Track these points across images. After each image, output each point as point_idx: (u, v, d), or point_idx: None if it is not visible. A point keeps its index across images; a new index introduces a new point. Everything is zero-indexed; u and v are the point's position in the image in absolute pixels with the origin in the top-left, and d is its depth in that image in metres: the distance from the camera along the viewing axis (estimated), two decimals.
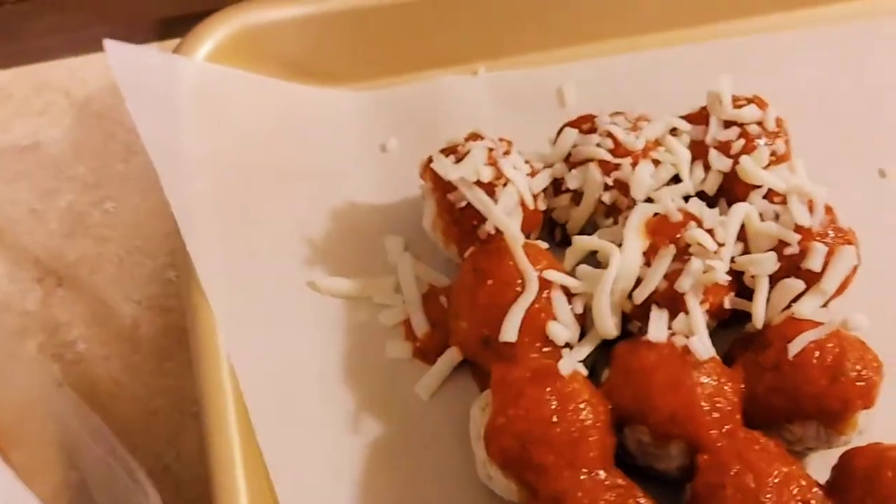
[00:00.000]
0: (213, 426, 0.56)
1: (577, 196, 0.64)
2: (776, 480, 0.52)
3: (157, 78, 0.67)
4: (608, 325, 0.59)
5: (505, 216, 0.60)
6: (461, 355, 0.61)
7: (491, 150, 0.62)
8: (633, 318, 0.60)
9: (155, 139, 0.63)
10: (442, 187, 0.62)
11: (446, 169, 0.61)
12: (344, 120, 0.72)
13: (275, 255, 0.65)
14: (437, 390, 0.62)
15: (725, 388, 0.56)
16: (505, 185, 0.61)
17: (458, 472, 0.59)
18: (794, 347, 0.57)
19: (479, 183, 0.61)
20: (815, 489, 0.53)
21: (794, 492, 0.52)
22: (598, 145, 0.64)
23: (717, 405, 0.55)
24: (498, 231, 0.60)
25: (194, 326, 0.60)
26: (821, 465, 0.58)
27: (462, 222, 0.62)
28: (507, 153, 0.63)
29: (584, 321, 0.61)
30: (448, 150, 0.63)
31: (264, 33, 0.72)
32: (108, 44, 0.66)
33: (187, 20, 0.72)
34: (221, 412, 0.57)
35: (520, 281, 0.58)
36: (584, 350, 0.59)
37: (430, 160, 0.63)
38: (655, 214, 0.61)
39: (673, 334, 0.58)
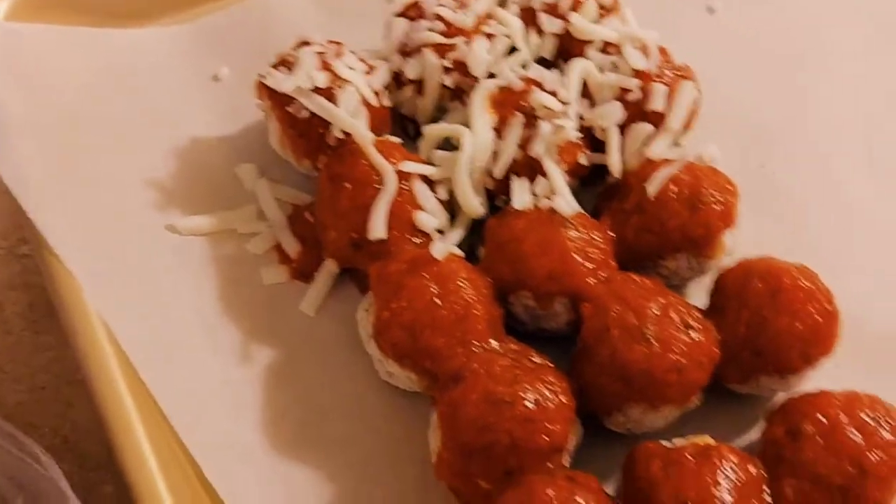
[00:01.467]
0: (102, 388, 0.55)
1: (420, 85, 0.64)
2: (657, 312, 0.54)
3: None
4: (473, 204, 0.60)
5: (349, 117, 0.59)
6: (338, 266, 0.61)
7: (322, 54, 0.61)
8: (498, 194, 0.61)
9: None
10: (280, 103, 0.61)
11: (279, 82, 0.60)
12: (168, 57, 0.70)
13: (124, 205, 0.63)
14: (323, 305, 0.61)
15: (595, 237, 0.57)
16: (343, 86, 0.60)
17: (359, 378, 0.59)
18: (653, 186, 0.58)
19: (316, 90, 0.60)
20: (694, 312, 0.55)
21: (675, 318, 0.54)
22: (430, 30, 0.63)
23: (590, 255, 0.56)
24: (346, 134, 0.60)
25: (59, 296, 0.58)
26: (700, 294, 0.61)
27: (308, 133, 0.61)
28: (339, 55, 0.62)
29: (451, 206, 0.61)
30: (279, 64, 0.62)
31: None
32: None
33: None
34: (107, 372, 0.56)
35: (377, 178, 0.58)
36: (457, 233, 0.60)
37: (262, 78, 0.62)
38: (500, 88, 0.62)
39: (537, 199, 0.59)
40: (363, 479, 0.56)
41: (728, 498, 0.49)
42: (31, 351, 0.61)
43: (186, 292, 0.61)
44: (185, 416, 0.56)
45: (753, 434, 0.57)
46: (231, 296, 0.61)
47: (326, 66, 0.61)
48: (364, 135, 0.59)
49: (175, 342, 0.59)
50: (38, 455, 0.48)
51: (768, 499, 0.50)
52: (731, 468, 0.50)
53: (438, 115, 0.65)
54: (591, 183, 0.64)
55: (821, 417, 0.51)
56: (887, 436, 0.51)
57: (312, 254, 0.62)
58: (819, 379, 0.56)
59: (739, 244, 0.61)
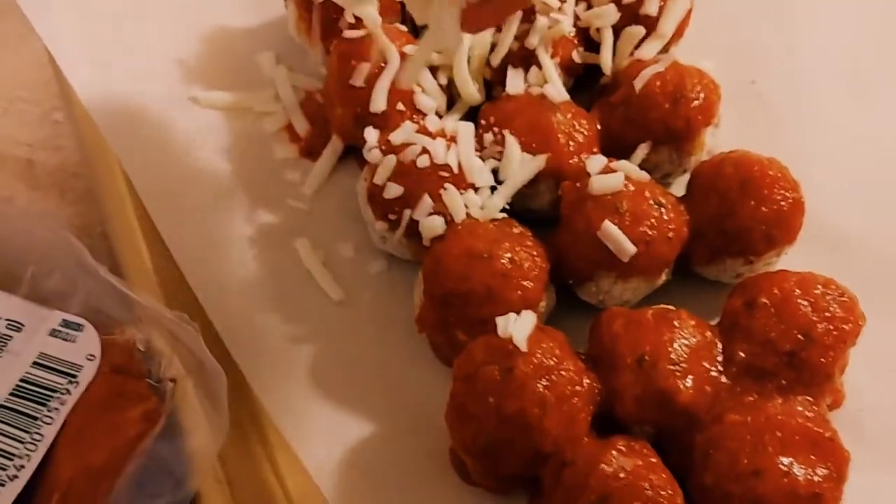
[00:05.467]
0: (120, 230, 0.61)
1: None
2: (631, 188, 0.58)
3: None
4: (471, 90, 0.64)
5: (360, 2, 0.64)
6: (342, 143, 0.65)
7: None
8: (495, 84, 0.65)
9: None
10: None
11: None
12: None
13: (152, 77, 0.68)
14: (327, 180, 0.66)
15: (581, 124, 0.61)
16: None
17: (355, 244, 0.63)
18: (639, 82, 0.62)
19: None
20: (668, 194, 0.59)
21: (648, 196, 0.57)
22: None
23: (575, 138, 0.60)
24: (358, 20, 0.64)
25: (88, 153, 0.63)
26: (679, 191, 0.64)
27: (323, 18, 0.65)
28: None
29: (451, 93, 0.65)
30: None
31: None
32: None
33: None
34: (125, 218, 0.61)
35: (383, 58, 0.62)
36: (454, 117, 0.64)
37: None
38: None
39: (529, 87, 0.63)
40: (354, 340, 0.60)
41: (681, 353, 0.53)
42: (55, 205, 0.67)
43: (204, 158, 0.66)
44: (194, 265, 0.61)
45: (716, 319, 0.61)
46: (244, 166, 0.66)
47: None
48: (373, 17, 0.63)
49: (188, 200, 0.64)
50: (45, 219, 0.52)
51: (720, 360, 0.54)
52: (688, 329, 0.54)
53: None
54: (587, 86, 0.68)
55: (776, 291, 0.55)
56: (836, 310, 0.54)
57: (320, 134, 0.67)
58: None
59: (720, 146, 0.64)
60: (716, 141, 0.64)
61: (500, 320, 0.53)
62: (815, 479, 0.50)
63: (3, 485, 0.45)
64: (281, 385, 0.58)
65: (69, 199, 0.67)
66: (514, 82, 0.63)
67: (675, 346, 0.53)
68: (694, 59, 0.66)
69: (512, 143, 0.60)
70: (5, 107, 0.70)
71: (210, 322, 0.59)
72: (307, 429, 0.57)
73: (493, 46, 0.64)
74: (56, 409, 0.47)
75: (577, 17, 0.66)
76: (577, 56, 0.65)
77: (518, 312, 0.54)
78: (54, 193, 0.67)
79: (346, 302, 0.61)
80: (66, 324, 0.50)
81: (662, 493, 0.50)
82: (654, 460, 0.51)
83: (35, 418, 0.47)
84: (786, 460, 0.50)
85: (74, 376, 0.49)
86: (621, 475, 0.50)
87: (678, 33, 0.67)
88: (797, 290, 0.55)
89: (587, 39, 0.66)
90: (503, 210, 0.60)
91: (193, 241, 0.62)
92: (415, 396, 0.58)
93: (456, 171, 0.58)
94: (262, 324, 0.60)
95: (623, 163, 0.59)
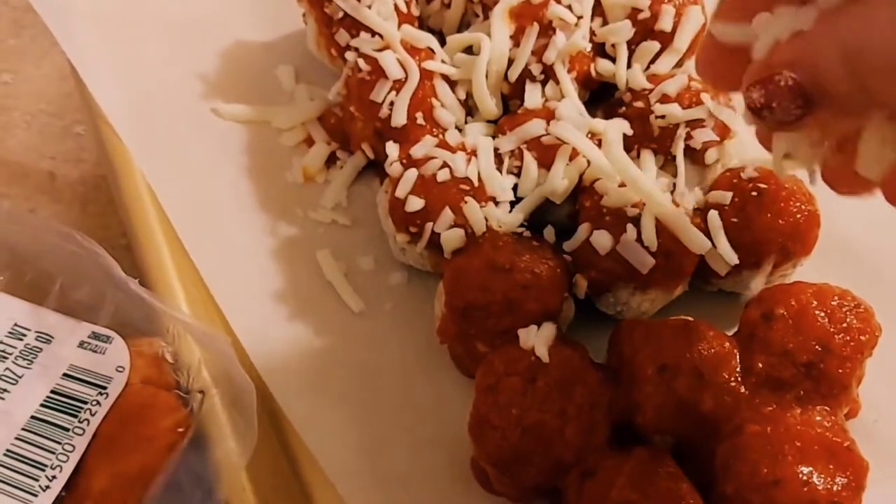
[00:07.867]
0: (146, 248, 0.61)
1: None
2: None
3: None
4: (489, 104, 0.65)
5: (380, 19, 0.65)
6: (364, 158, 0.66)
7: None
8: (512, 98, 0.66)
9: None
10: (318, 4, 0.66)
11: None
12: None
13: (174, 89, 0.69)
14: (348, 193, 0.67)
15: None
16: None
17: (375, 255, 0.64)
18: (655, 96, 0.63)
19: None
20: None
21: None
22: None
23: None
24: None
25: (110, 163, 0.64)
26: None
27: (342, 34, 0.66)
28: None
29: (469, 107, 0.66)
30: None
31: None
32: None
33: None
34: (149, 232, 0.62)
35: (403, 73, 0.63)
36: (475, 126, 0.65)
37: None
38: (520, 2, 0.67)
39: (547, 101, 0.64)
40: (374, 350, 0.61)
41: (701, 365, 0.54)
42: (78, 217, 0.67)
43: (226, 170, 0.67)
44: (218, 277, 0.62)
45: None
46: (265, 178, 0.67)
47: None
48: (392, 34, 0.64)
49: (211, 212, 0.64)
50: (74, 235, 0.52)
51: (739, 371, 0.55)
52: (707, 340, 0.55)
53: (462, 29, 0.70)
54: (603, 99, 0.69)
55: (793, 302, 0.56)
56: (853, 321, 0.55)
57: (340, 148, 0.68)
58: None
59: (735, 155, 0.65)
60: (726, 150, 0.65)
61: (522, 332, 0.54)
62: (835, 488, 0.51)
63: (35, 495, 0.46)
64: (302, 395, 0.58)
65: (91, 211, 0.68)
66: (532, 96, 0.63)
67: (694, 356, 0.54)
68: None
69: (529, 160, 0.60)
70: (28, 120, 0.71)
71: (234, 333, 0.59)
72: (329, 439, 0.57)
73: (511, 61, 0.65)
74: (86, 420, 0.48)
75: (592, 33, 0.66)
76: (593, 71, 0.66)
77: (538, 323, 0.55)
78: (76, 206, 0.68)
79: (366, 313, 0.62)
80: (95, 336, 0.51)
81: (683, 502, 0.50)
82: (674, 470, 0.52)
83: (66, 429, 0.48)
84: (805, 470, 0.51)
85: (104, 387, 0.49)
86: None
87: (692, 48, 0.68)
88: (814, 302, 0.55)
89: (604, 55, 0.67)
90: (521, 224, 0.61)
91: (217, 253, 0.62)
92: (435, 406, 0.59)
93: (476, 184, 0.59)
94: (284, 334, 0.61)
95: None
